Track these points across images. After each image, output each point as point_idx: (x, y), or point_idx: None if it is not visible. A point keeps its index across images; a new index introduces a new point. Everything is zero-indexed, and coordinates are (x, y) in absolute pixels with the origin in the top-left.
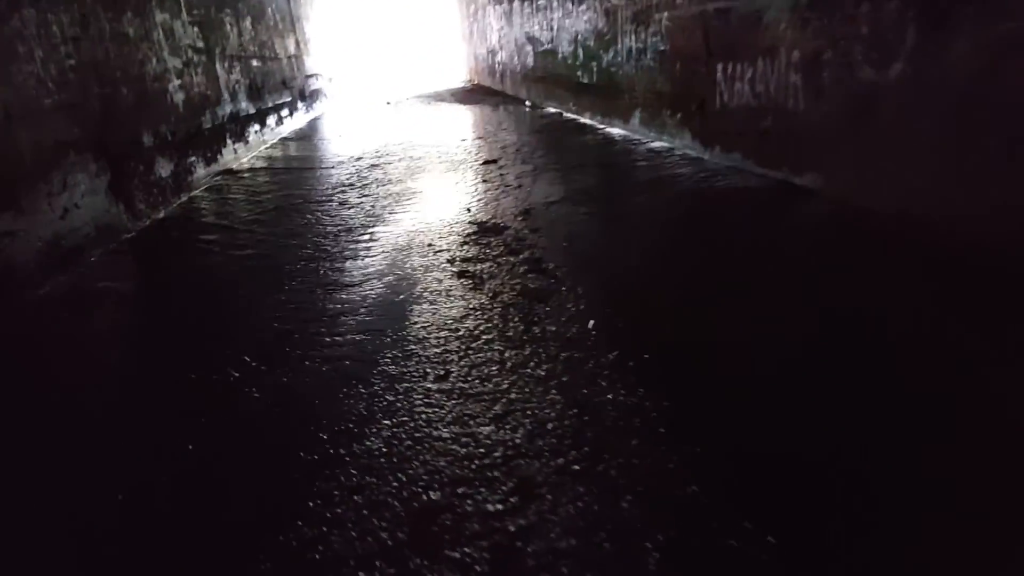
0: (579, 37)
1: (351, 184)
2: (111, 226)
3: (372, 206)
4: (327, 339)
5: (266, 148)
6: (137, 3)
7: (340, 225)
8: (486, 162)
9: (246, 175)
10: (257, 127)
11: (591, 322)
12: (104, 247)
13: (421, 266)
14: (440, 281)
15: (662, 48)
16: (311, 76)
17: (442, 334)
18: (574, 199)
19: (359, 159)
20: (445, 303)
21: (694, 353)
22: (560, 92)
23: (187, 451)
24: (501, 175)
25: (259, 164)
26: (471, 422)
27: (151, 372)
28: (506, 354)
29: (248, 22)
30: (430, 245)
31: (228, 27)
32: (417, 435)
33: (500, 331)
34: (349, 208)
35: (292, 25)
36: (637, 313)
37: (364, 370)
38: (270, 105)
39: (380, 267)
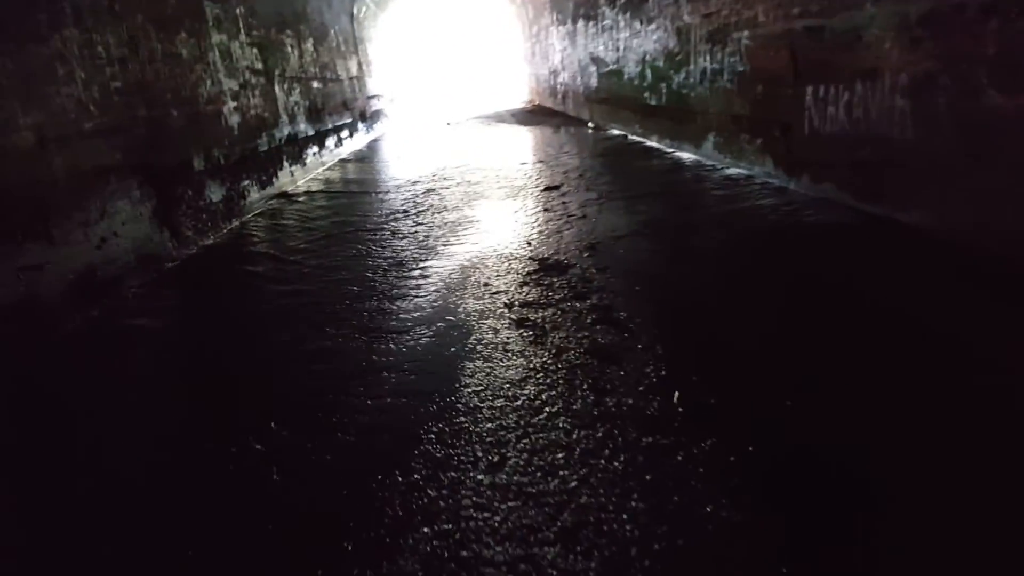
0: (647, 57)
1: (406, 211)
2: (154, 254)
3: (426, 236)
4: (365, 402)
5: (324, 170)
6: (192, 23)
7: (391, 258)
8: (548, 188)
9: (301, 199)
10: (316, 149)
11: (676, 394)
12: (145, 277)
13: (475, 311)
14: (496, 331)
15: (741, 69)
16: (372, 97)
17: (497, 402)
18: (644, 233)
19: (415, 183)
20: (502, 360)
21: (815, 452)
22: (625, 114)
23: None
24: (564, 203)
25: (316, 187)
26: (531, 538)
27: (158, 444)
28: (574, 435)
29: (310, 44)
30: (486, 285)
31: (289, 48)
32: (463, 554)
33: (566, 402)
34: (402, 238)
35: (355, 47)
36: (732, 386)
37: (404, 449)
38: (330, 126)
39: (430, 310)
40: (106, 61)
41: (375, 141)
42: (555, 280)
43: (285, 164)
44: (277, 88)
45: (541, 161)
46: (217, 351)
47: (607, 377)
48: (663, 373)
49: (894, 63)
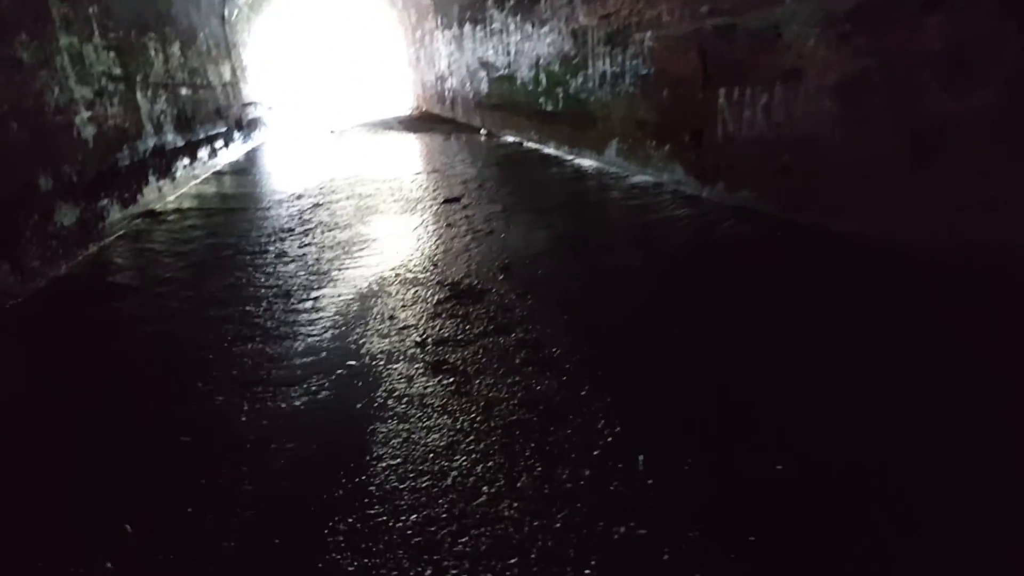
0: (541, 61)
1: (291, 229)
2: None
3: (316, 259)
4: (246, 491)
5: (197, 184)
6: (34, 24)
7: (276, 287)
8: (447, 200)
9: (171, 217)
10: (187, 161)
11: (640, 458)
12: None
13: (382, 352)
14: (410, 379)
15: (644, 72)
16: (249, 104)
17: (421, 482)
18: (560, 250)
19: (300, 197)
20: (421, 420)
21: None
22: (519, 120)
23: None
24: (467, 217)
25: (187, 204)
26: None
27: None
28: (524, 528)
29: (176, 47)
30: (391, 318)
31: (153, 52)
32: None
33: (508, 477)
34: (288, 262)
35: (228, 51)
36: (699, 439)
37: (302, 565)
38: (202, 136)
39: (327, 353)
40: None
41: (254, 151)
42: (471, 309)
43: (151, 179)
44: (139, 95)
45: (436, 171)
46: (45, 440)
47: (553, 439)
48: (617, 429)
49: (820, 62)
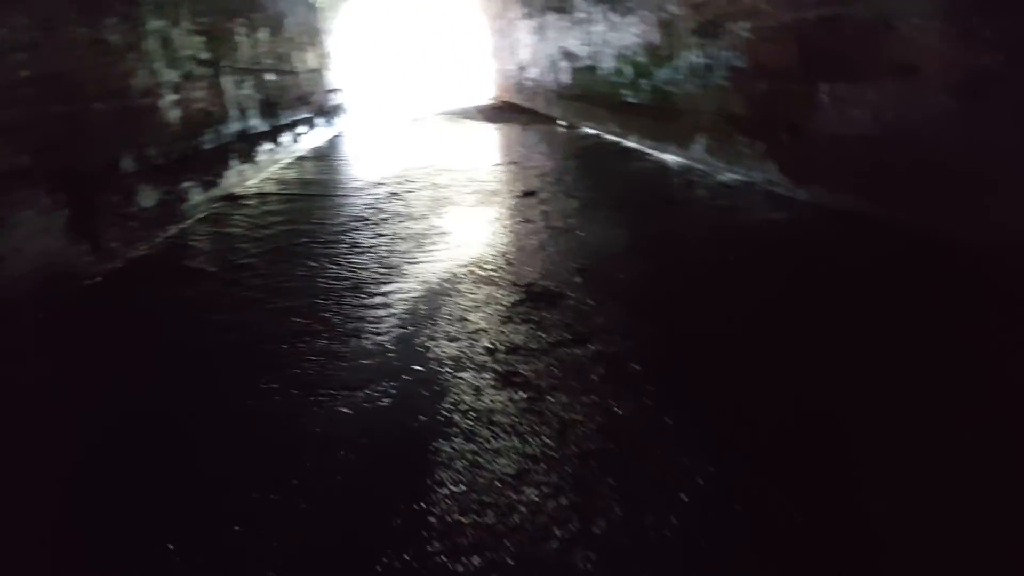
0: (626, 52)
1: (366, 218)
2: (68, 271)
3: (388, 251)
4: (286, 510)
5: (278, 169)
6: (124, 7)
7: (347, 279)
8: (524, 194)
9: (251, 201)
10: (270, 146)
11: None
12: (54, 298)
13: (450, 358)
14: (478, 392)
15: (738, 64)
16: (332, 91)
17: (486, 517)
18: (642, 252)
19: (378, 185)
20: (488, 441)
21: None
22: (600, 112)
23: None
24: (544, 212)
25: (268, 188)
26: None
27: None
28: None
29: (264, 33)
30: (462, 319)
31: (240, 38)
32: None
33: (584, 520)
34: (361, 252)
35: (313, 38)
36: (815, 500)
37: None
38: (286, 122)
39: (392, 355)
40: (11, 46)
41: (335, 137)
42: (545, 315)
43: (233, 163)
44: (225, 80)
45: (514, 162)
46: (94, 436)
47: (634, 476)
48: (710, 470)
49: (939, 57)
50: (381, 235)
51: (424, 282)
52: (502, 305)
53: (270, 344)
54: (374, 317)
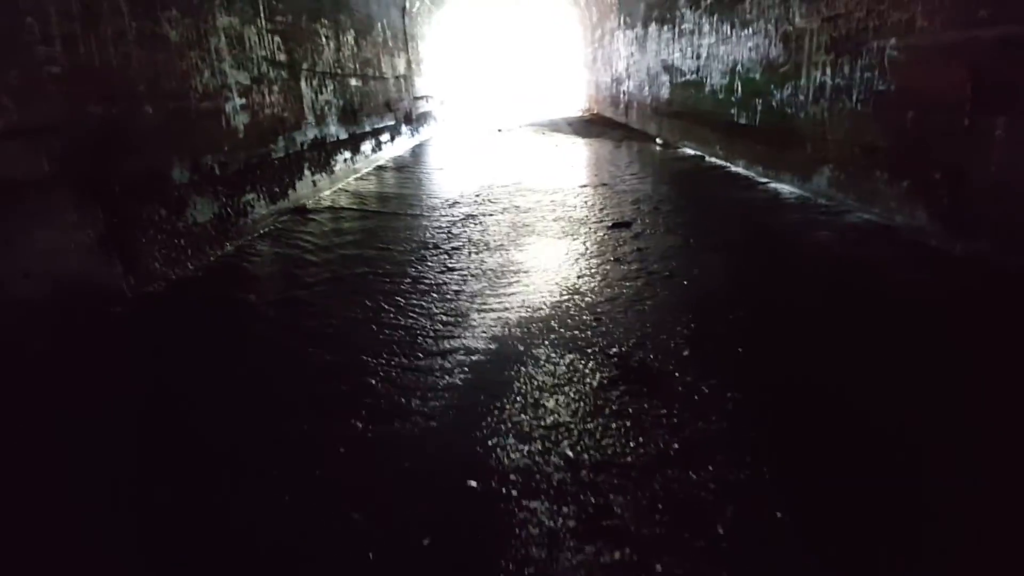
0: (738, 67)
1: (437, 245)
2: (94, 296)
3: (456, 291)
4: None
5: (356, 179)
6: (186, 1)
7: (403, 329)
8: (616, 225)
9: (320, 216)
10: (348, 155)
11: None
12: (66, 329)
13: (515, 469)
14: (553, 539)
15: (881, 87)
16: (420, 98)
17: None
18: (765, 314)
19: (454, 204)
20: None
21: None
22: (703, 132)
23: None
24: (639, 250)
25: (341, 200)
26: None
27: None
28: None
29: (350, 36)
30: (536, 404)
31: (323, 40)
32: None
33: None
34: (424, 292)
35: (405, 43)
36: None
37: None
38: (368, 129)
39: (441, 454)
40: (38, 39)
41: (420, 146)
42: (645, 405)
43: (307, 173)
44: (303, 84)
45: (604, 184)
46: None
47: None
48: None
49: None
50: (451, 269)
51: (493, 340)
52: (588, 386)
53: (286, 423)
54: (426, 388)
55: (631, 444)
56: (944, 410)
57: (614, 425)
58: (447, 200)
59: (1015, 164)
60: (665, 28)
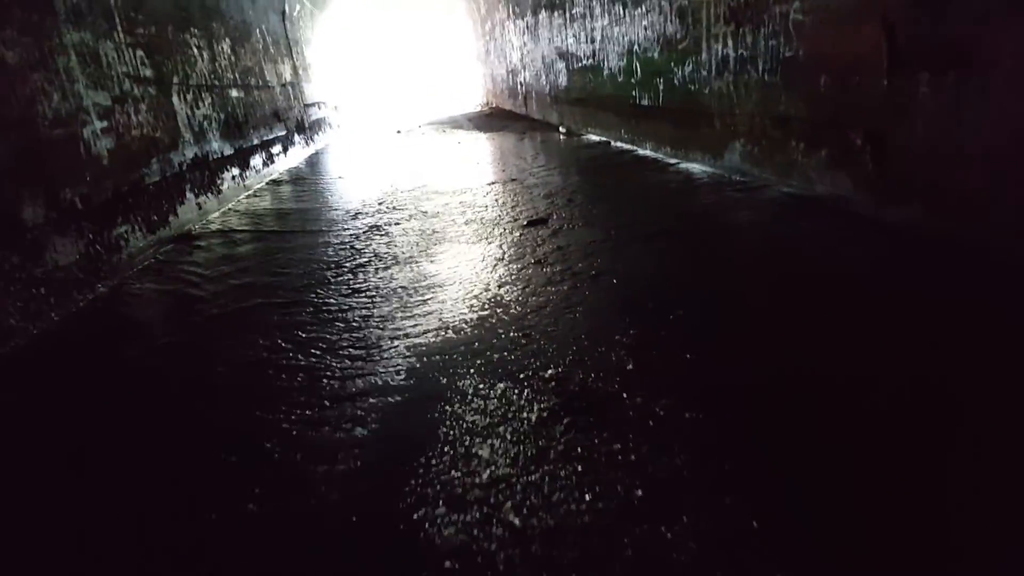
0: (635, 48)
1: (340, 264)
2: None
3: (363, 317)
4: None
5: (247, 197)
6: (25, 17)
7: (305, 367)
8: (531, 222)
9: (207, 242)
10: (236, 171)
11: None
12: None
13: (451, 551)
14: None
15: (788, 54)
16: (312, 105)
17: None
18: (711, 313)
19: (356, 215)
20: None
21: None
22: (606, 117)
23: None
24: (559, 248)
25: (232, 222)
26: None
27: None
28: None
29: (226, 45)
30: (469, 455)
31: (195, 50)
32: None
33: None
34: (327, 321)
35: (288, 49)
36: None
37: None
38: (256, 142)
39: (354, 556)
40: None
41: (316, 155)
42: (595, 440)
43: (189, 195)
44: (176, 100)
45: (513, 179)
46: None
47: None
48: None
49: None
50: (356, 291)
51: (410, 374)
52: (527, 421)
53: (154, 518)
54: (333, 449)
55: (587, 496)
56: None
57: (563, 473)
58: (349, 211)
59: (941, 123)
60: (556, 14)
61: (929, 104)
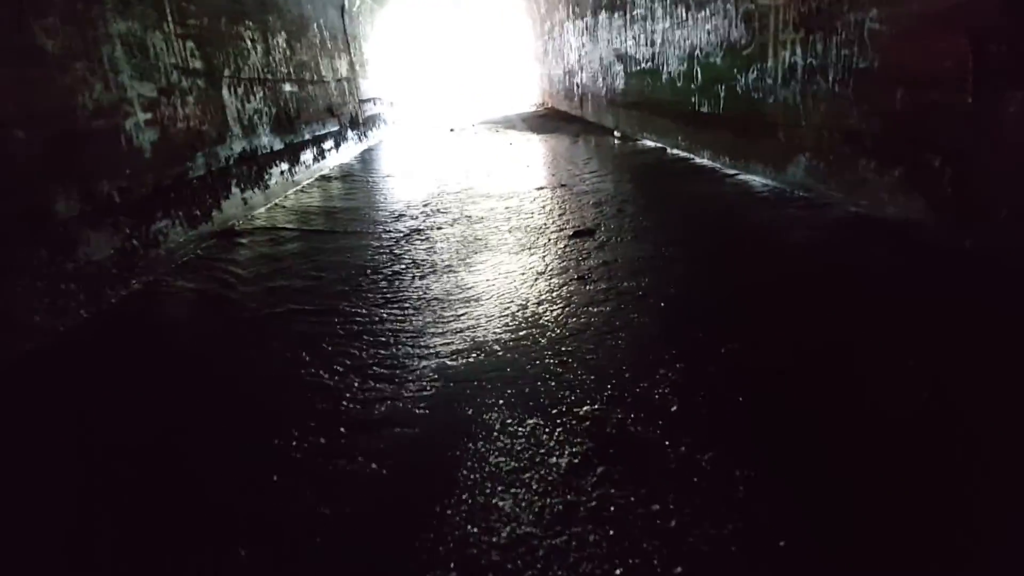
0: (697, 53)
1: (377, 269)
2: None
3: (393, 332)
4: None
5: (296, 192)
6: (68, 5)
7: (326, 386)
8: (577, 233)
9: (249, 239)
10: (285, 166)
11: None
12: None
13: None
14: None
15: (862, 65)
16: (367, 101)
17: None
18: (768, 350)
19: (400, 217)
20: None
21: None
22: (663, 122)
23: None
24: (605, 263)
25: (277, 218)
26: None
27: None
28: None
29: (281, 39)
30: (487, 505)
31: (248, 43)
32: None
33: None
34: (356, 333)
35: (346, 44)
36: None
37: None
38: (307, 137)
39: None
40: None
41: (368, 151)
42: (631, 498)
43: (234, 190)
44: (226, 93)
45: (562, 184)
46: None
47: None
48: None
49: None
50: (389, 301)
51: (435, 402)
52: (556, 469)
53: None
54: (345, 487)
55: (618, 572)
56: None
57: (593, 538)
58: (393, 212)
59: None
60: (616, 16)
61: (1021, 124)
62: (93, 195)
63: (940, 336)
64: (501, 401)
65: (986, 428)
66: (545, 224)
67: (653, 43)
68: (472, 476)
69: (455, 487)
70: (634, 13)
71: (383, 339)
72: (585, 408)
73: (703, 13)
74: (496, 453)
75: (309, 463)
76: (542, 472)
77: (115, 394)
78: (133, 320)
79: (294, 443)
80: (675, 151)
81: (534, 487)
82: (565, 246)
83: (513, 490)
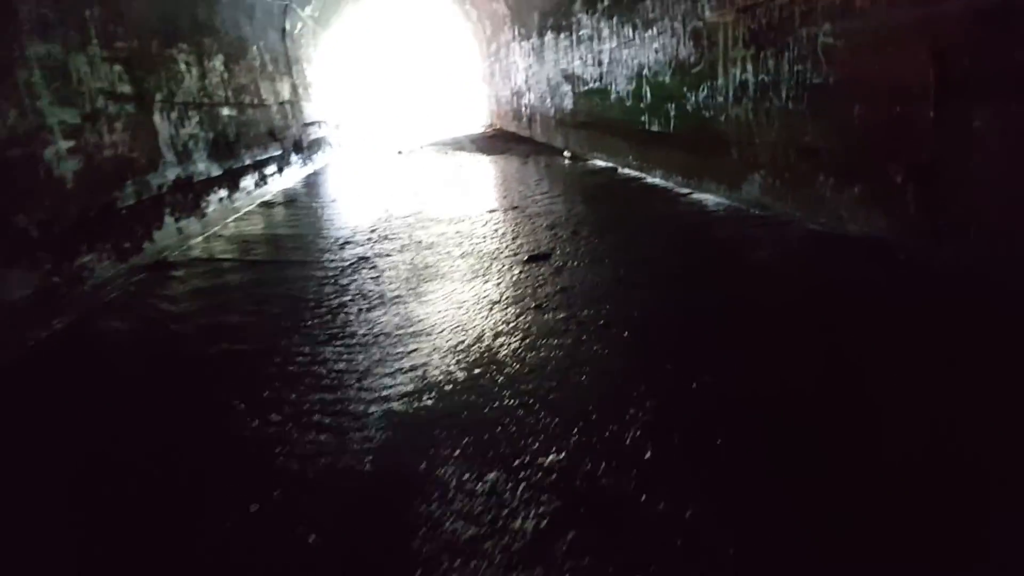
0: (645, 71)
1: (320, 302)
2: None
3: (336, 373)
4: None
5: (236, 220)
6: None
7: (257, 439)
8: (532, 258)
9: (184, 272)
10: (224, 193)
11: None
12: None
13: None
14: None
15: (816, 81)
16: (312, 124)
17: None
18: (741, 385)
19: (345, 244)
20: None
21: None
22: (613, 142)
23: None
24: (563, 290)
25: (215, 247)
26: None
27: None
28: None
29: (218, 61)
30: None
31: (182, 66)
32: None
33: None
34: (294, 376)
35: (288, 67)
36: None
37: None
38: (248, 163)
39: None
40: None
41: (313, 175)
42: (608, 568)
43: (168, 219)
44: (158, 118)
45: (515, 207)
46: None
47: None
48: None
49: None
50: (333, 337)
51: (383, 453)
52: (521, 535)
53: None
54: (276, 573)
55: None
56: None
57: None
58: (338, 239)
59: (1003, 159)
60: (562, 36)
61: (988, 138)
62: (7, 230)
63: (922, 357)
64: (457, 452)
65: (1000, 488)
66: (498, 249)
67: (600, 63)
68: (425, 547)
69: (408, 562)
70: (580, 33)
71: (326, 382)
72: (551, 458)
73: (650, 32)
74: (453, 517)
75: (237, 539)
76: (506, 540)
77: (4, 459)
78: (49, 366)
79: (220, 514)
80: (627, 170)
81: (497, 560)
82: (520, 272)
83: (473, 563)
